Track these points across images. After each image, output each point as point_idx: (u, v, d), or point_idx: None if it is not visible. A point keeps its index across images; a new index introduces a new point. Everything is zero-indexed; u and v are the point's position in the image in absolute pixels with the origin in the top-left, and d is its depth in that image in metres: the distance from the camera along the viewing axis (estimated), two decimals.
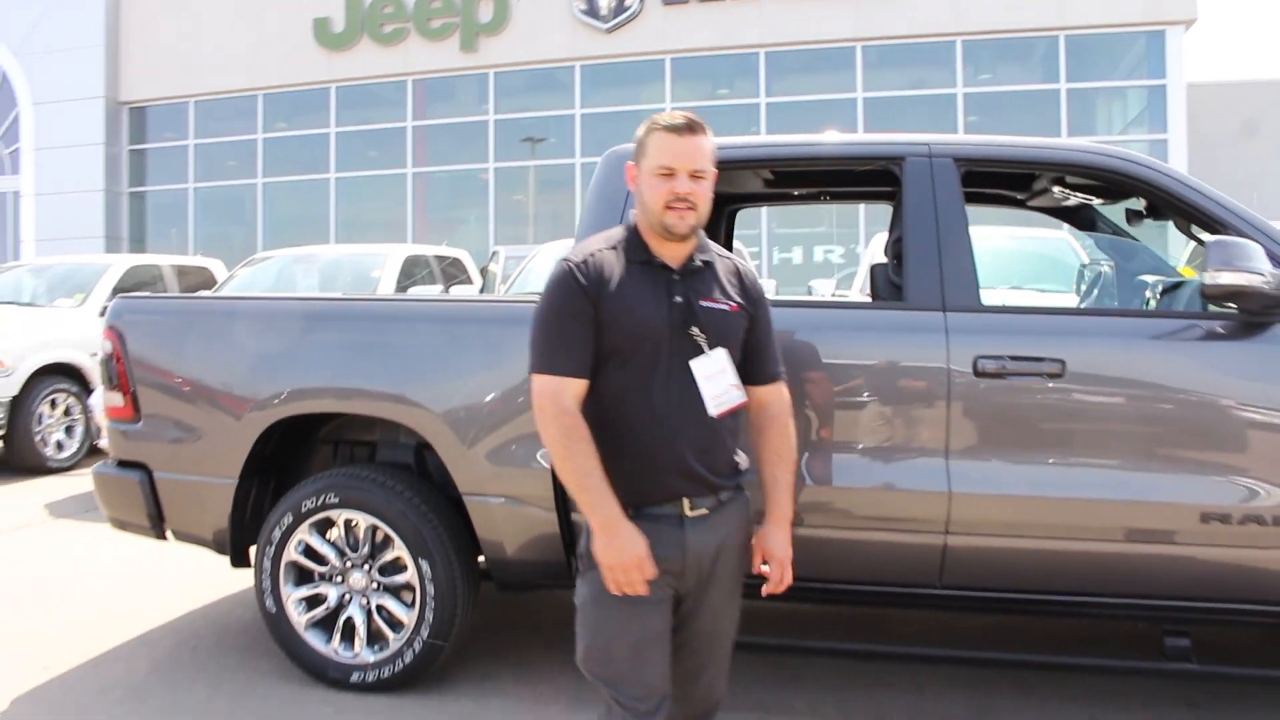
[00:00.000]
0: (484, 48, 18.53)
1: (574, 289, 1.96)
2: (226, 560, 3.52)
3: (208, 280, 9.82)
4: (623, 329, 1.94)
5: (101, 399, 3.81)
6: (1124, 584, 2.82)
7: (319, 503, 3.26)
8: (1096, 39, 16.39)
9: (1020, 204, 4.11)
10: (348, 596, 3.32)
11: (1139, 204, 3.56)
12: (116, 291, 8.93)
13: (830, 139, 3.37)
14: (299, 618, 3.33)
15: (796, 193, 4.25)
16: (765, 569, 2.16)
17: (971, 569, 2.86)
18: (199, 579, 4.52)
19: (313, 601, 3.34)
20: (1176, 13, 15.73)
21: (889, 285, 3.15)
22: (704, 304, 2.01)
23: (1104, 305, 4.08)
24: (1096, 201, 3.81)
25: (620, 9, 17.66)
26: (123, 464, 3.58)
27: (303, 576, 3.35)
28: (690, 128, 1.98)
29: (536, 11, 18.15)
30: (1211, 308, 2.88)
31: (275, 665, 3.47)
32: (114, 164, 20.87)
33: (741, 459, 2.13)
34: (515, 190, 19.36)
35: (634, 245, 2.03)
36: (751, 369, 2.13)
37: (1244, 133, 17.01)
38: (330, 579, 3.33)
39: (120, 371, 3.53)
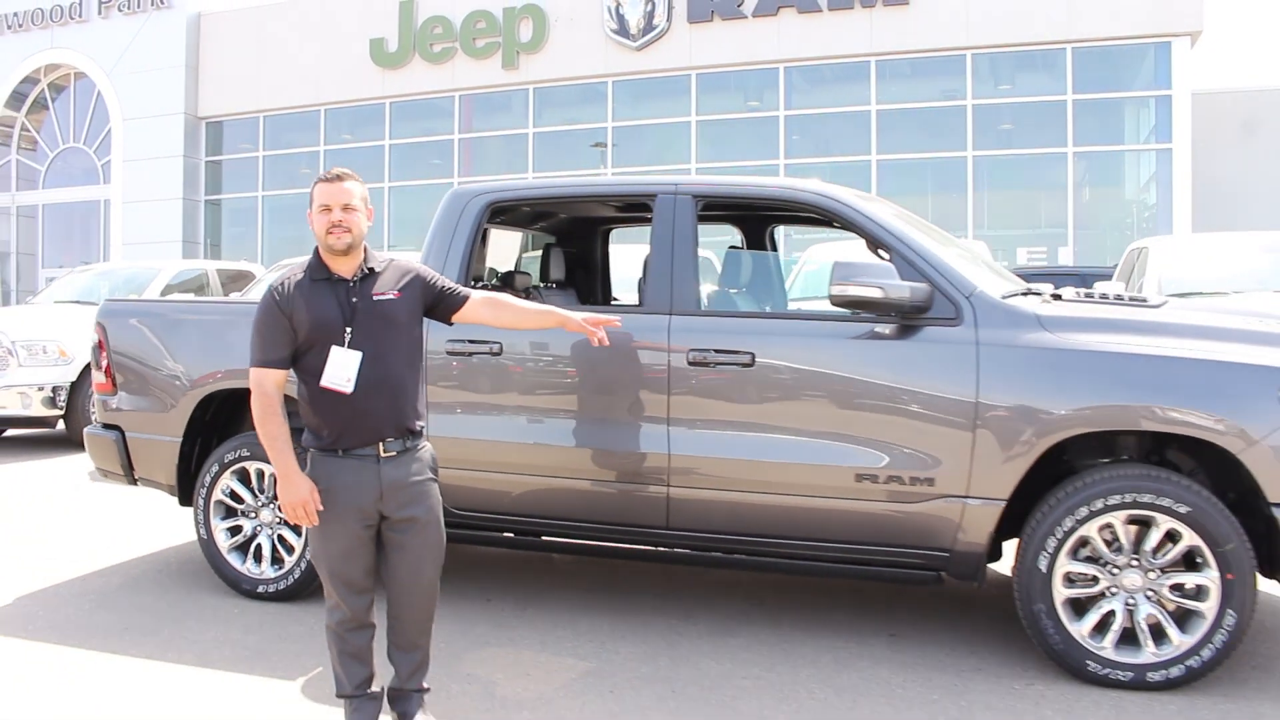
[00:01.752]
0: (524, 65, 19.78)
1: (271, 306, 2.83)
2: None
3: (249, 281, 11.17)
4: (309, 329, 2.80)
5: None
6: (801, 529, 3.63)
7: (236, 456, 4.33)
8: (1103, 51, 16.73)
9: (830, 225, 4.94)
10: (259, 528, 4.37)
11: None
12: (166, 292, 10.37)
13: (604, 180, 4.31)
14: (224, 543, 4.39)
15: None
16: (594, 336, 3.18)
17: (689, 514, 3.73)
18: (188, 529, 5.65)
19: (234, 531, 4.40)
20: (1182, 25, 15.99)
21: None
22: (376, 297, 2.85)
23: None
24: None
25: (649, 28, 18.67)
26: (105, 426, 4.72)
27: (228, 512, 4.41)
28: (339, 177, 2.86)
29: (572, 31, 19.30)
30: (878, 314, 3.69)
31: (214, 584, 4.54)
32: (192, 174, 22.79)
33: (422, 416, 2.95)
34: None
35: (316, 266, 2.89)
36: (445, 307, 3.02)
37: (1245, 139, 17.08)
38: (247, 514, 4.39)
39: (103, 356, 4.68)
